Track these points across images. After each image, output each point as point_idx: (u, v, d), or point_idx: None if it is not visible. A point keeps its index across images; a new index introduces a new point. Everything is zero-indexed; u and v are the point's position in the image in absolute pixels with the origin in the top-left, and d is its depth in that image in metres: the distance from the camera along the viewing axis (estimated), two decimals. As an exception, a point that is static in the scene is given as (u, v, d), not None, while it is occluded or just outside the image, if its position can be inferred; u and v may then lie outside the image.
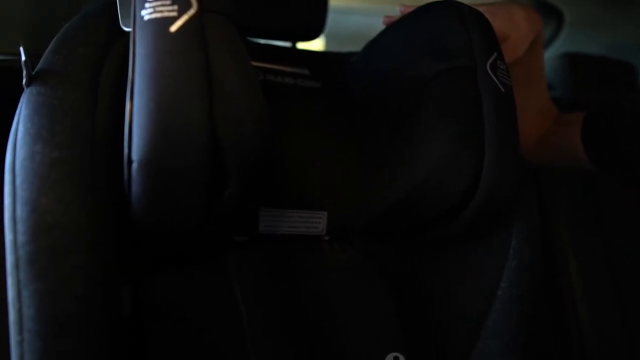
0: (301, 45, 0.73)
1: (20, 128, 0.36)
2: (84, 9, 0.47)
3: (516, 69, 0.63)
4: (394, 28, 0.54)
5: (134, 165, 0.34)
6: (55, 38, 0.43)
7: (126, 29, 0.40)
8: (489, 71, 0.46)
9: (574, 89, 0.93)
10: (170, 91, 0.33)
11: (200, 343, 0.46)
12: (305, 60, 0.61)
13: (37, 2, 0.61)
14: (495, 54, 0.47)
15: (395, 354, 0.49)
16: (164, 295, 0.46)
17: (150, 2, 0.35)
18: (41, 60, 0.40)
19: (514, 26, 0.56)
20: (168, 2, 0.35)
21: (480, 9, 0.51)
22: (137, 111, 0.33)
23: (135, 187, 0.35)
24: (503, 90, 0.46)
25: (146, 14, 0.34)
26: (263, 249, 0.50)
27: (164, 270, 0.46)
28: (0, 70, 0.48)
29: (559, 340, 0.71)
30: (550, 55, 1.02)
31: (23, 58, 0.37)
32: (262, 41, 0.65)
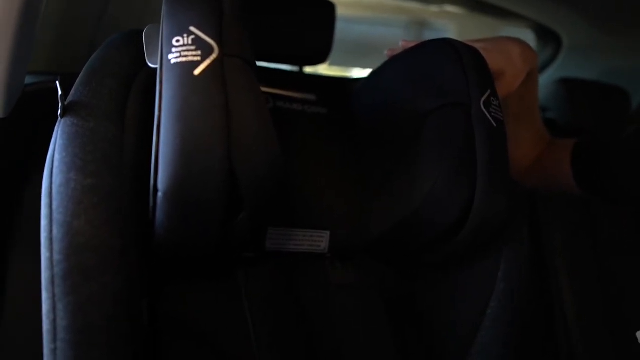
0: (308, 69, 0.77)
1: (57, 156, 0.40)
2: (108, 40, 0.51)
3: (511, 101, 0.66)
4: (395, 61, 0.58)
5: (159, 195, 0.38)
6: (84, 70, 0.47)
7: (152, 66, 0.44)
8: (483, 108, 0.49)
9: (569, 112, 0.97)
10: (193, 129, 0.37)
11: (210, 353, 0.49)
12: (312, 86, 0.64)
13: (57, 24, 0.64)
14: (489, 91, 0.50)
15: None
16: (177, 307, 0.50)
17: (176, 46, 0.39)
18: (72, 92, 0.44)
19: (509, 62, 0.59)
20: (193, 47, 0.38)
21: (477, 45, 0.55)
22: (163, 146, 0.37)
23: (159, 214, 0.38)
24: (495, 125, 0.49)
25: (173, 57, 0.38)
26: (270, 266, 0.54)
27: (178, 283, 0.50)
28: (29, 94, 0.52)
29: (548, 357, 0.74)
30: (547, 79, 1.05)
31: (59, 92, 0.41)
32: (271, 65, 0.69)
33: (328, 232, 0.56)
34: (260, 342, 0.50)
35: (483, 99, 0.50)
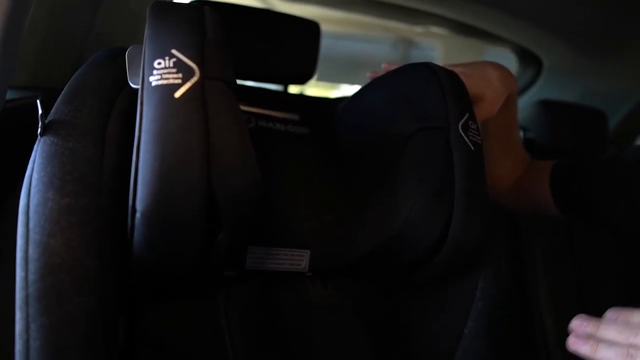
0: (293, 87, 0.78)
1: (35, 175, 0.40)
2: (91, 58, 0.51)
3: (490, 124, 0.67)
4: (378, 84, 0.59)
5: (137, 215, 0.38)
6: (65, 88, 0.47)
7: (133, 86, 0.45)
8: (461, 131, 0.50)
9: (548, 133, 0.99)
10: (172, 151, 0.37)
11: None
12: (295, 106, 0.65)
13: (42, 39, 0.64)
14: (467, 114, 0.52)
15: None
16: (155, 326, 0.49)
17: (157, 69, 0.39)
18: (53, 111, 0.44)
19: (488, 86, 0.60)
20: (174, 70, 0.39)
21: (457, 70, 0.56)
22: (142, 167, 0.37)
23: (137, 235, 0.38)
24: (473, 148, 0.50)
25: (154, 80, 0.39)
26: (249, 284, 0.54)
27: (156, 302, 0.50)
28: (9, 110, 0.52)
29: None
30: (528, 100, 1.08)
31: (40, 111, 0.41)
32: (255, 84, 0.70)
33: (308, 252, 0.56)
34: None
35: (461, 122, 0.51)
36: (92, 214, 0.39)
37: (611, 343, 0.42)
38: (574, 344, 0.45)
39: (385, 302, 0.60)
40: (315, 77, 0.75)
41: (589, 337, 0.44)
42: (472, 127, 0.52)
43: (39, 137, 0.42)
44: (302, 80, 0.74)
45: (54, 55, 0.67)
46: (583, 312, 0.80)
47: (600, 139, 1.00)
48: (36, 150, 0.42)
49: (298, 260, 0.56)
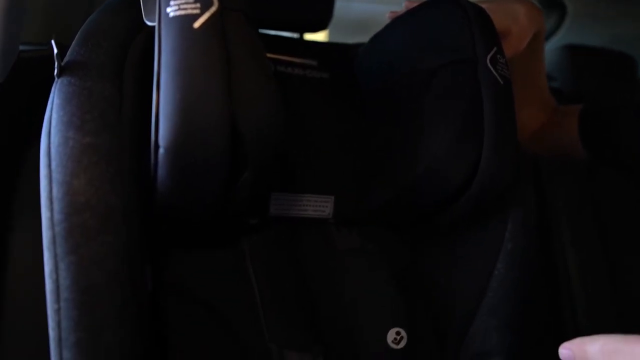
0: (308, 36, 0.76)
1: (54, 116, 0.39)
2: (104, 4, 0.50)
3: (517, 64, 0.65)
4: (399, 22, 0.56)
5: (161, 151, 0.37)
6: (79, 32, 0.45)
7: (149, 24, 0.43)
8: (489, 65, 0.48)
9: (574, 81, 0.95)
10: (194, 83, 0.36)
11: (215, 320, 0.49)
12: (313, 52, 0.63)
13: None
14: (495, 48, 0.49)
15: (397, 329, 0.52)
16: (182, 274, 0.49)
17: (175, 0, 0.37)
18: (68, 52, 0.43)
19: (515, 22, 0.58)
20: (191, 0, 0.37)
21: (482, 5, 0.54)
22: (163, 101, 0.36)
23: (161, 171, 0.38)
24: (502, 82, 0.48)
25: (171, 11, 0.37)
26: (274, 231, 0.53)
27: (182, 250, 0.50)
28: (24, 60, 0.51)
29: (553, 319, 0.74)
30: (551, 46, 1.04)
31: (55, 51, 0.40)
32: (271, 32, 0.68)
33: (332, 197, 0.55)
34: (266, 307, 0.50)
35: (489, 55, 0.48)
36: (113, 153, 0.39)
37: None
38: None
39: (411, 249, 0.59)
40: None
41: None
42: (501, 61, 0.49)
43: (55, 78, 0.41)
44: (319, 27, 0.72)
45: (63, 10, 0.66)
46: (604, 255, 0.80)
47: (629, 86, 0.97)
48: (54, 92, 0.41)
49: (322, 206, 0.55)
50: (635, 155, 0.64)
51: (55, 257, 0.36)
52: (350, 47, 0.68)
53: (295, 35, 0.74)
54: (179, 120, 0.36)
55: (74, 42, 0.44)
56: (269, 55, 0.60)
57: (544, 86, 0.71)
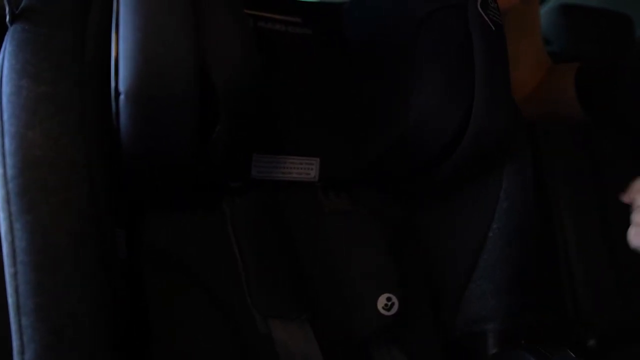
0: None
1: (6, 64, 0.36)
2: None
3: (512, 18, 0.62)
4: None
5: (121, 97, 0.34)
6: None
7: None
8: (479, 9, 0.45)
9: (570, 42, 0.92)
10: (155, 20, 0.32)
11: (196, 287, 0.46)
12: (296, 9, 0.60)
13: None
14: None
15: (388, 294, 0.50)
16: (160, 238, 0.46)
17: None
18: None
19: None
20: None
21: None
22: (122, 42, 0.33)
23: (123, 119, 0.34)
24: (494, 28, 0.45)
25: None
26: (256, 195, 0.51)
27: (160, 215, 0.47)
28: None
29: (550, 284, 0.72)
30: (547, 7, 1.00)
31: (5, -7, 0.37)
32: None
33: (318, 159, 0.52)
34: (249, 274, 0.47)
35: None
36: (73, 103, 0.35)
37: None
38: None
39: (403, 209, 0.56)
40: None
41: None
42: (492, 5, 0.46)
43: (8, 26, 0.38)
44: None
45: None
46: (600, 216, 0.78)
47: (626, 46, 0.93)
48: (6, 40, 0.37)
49: (307, 168, 0.52)
50: (633, 111, 0.62)
51: (9, 216, 0.33)
52: (334, 4, 0.64)
53: None
54: (139, 62, 0.32)
55: None
56: (250, 11, 0.56)
57: (540, 43, 0.69)
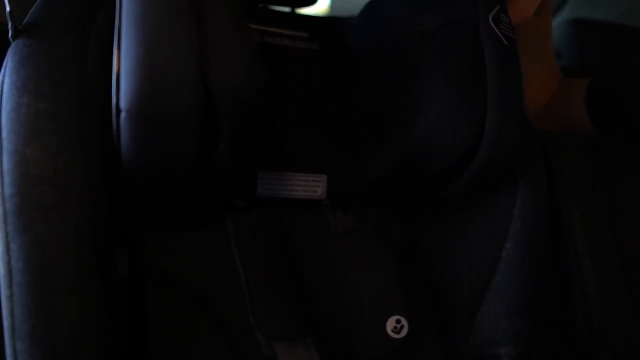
0: (301, 11, 0.72)
1: (7, 80, 0.35)
2: None
3: (524, 34, 0.61)
4: None
5: (123, 115, 0.33)
6: None
7: None
8: (492, 24, 0.44)
9: (581, 56, 0.91)
10: (158, 35, 0.32)
11: (199, 305, 0.45)
12: (304, 25, 0.59)
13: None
14: (499, 6, 0.45)
15: (398, 317, 0.48)
16: (162, 258, 0.45)
17: None
18: (29, 14, 0.39)
19: None
20: None
21: None
22: (124, 57, 0.32)
23: (124, 137, 0.34)
24: (506, 43, 0.44)
25: None
26: (262, 213, 0.49)
27: (162, 234, 0.46)
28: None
29: (563, 302, 0.70)
30: (558, 21, 0.99)
31: (8, 9, 0.36)
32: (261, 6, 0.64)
33: (325, 177, 0.51)
34: (253, 295, 0.46)
35: (492, 14, 0.44)
36: (74, 120, 0.34)
37: None
38: None
39: (412, 228, 0.54)
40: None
41: None
42: (505, 20, 0.45)
43: (11, 41, 0.37)
44: (310, 2, 0.68)
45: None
46: (613, 234, 0.76)
47: (637, 61, 0.92)
48: (8, 56, 0.36)
49: (314, 186, 0.51)
50: None
51: (7, 237, 0.32)
52: (342, 20, 0.63)
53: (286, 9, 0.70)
54: (141, 80, 0.31)
55: (35, 4, 0.40)
56: (256, 26, 0.56)
57: (552, 58, 0.68)
